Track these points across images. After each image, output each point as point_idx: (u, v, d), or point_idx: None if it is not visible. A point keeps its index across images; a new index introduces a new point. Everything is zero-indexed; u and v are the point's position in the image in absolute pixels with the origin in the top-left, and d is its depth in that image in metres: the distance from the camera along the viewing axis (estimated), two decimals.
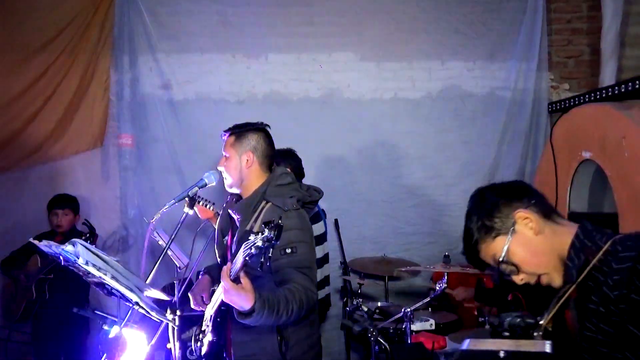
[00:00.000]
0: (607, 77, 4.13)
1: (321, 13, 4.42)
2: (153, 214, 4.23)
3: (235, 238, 2.23)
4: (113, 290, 1.95)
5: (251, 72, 4.44)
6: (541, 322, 1.33)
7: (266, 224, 1.70)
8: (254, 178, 2.30)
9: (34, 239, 3.93)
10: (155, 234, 2.96)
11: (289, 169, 2.44)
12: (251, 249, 1.69)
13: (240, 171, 2.29)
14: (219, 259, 2.45)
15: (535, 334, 1.31)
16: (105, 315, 1.99)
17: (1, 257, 3.97)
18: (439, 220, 4.41)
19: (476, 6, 4.39)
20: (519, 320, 1.29)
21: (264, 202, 2.23)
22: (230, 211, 2.33)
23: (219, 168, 2.34)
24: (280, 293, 1.99)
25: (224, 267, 1.86)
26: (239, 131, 2.33)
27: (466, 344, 1.25)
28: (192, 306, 2.38)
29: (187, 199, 2.27)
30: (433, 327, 2.88)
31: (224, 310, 2.14)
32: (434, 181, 4.42)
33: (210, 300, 2.25)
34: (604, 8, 4.14)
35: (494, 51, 4.41)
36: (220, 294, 2.00)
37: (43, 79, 4.18)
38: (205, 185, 2.31)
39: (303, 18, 4.42)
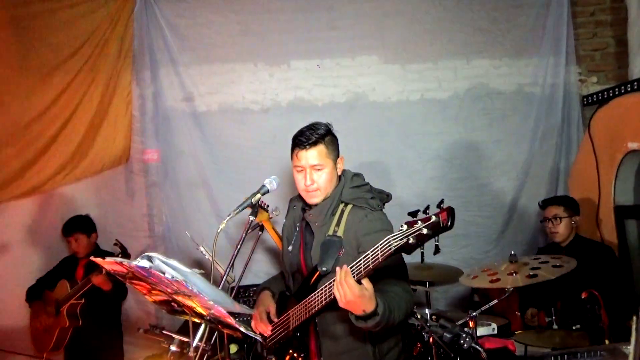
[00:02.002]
0: (637, 68, 4.06)
1: (342, 17, 4.35)
2: (181, 230, 4.20)
3: (314, 244, 2.12)
4: (181, 309, 1.83)
5: (274, 80, 4.36)
6: None
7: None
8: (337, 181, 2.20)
9: (62, 261, 3.85)
10: (201, 249, 2.85)
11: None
12: (408, 239, 1.58)
13: (336, 179, 2.18)
14: (286, 268, 2.32)
15: None
16: (173, 335, 1.88)
17: (29, 284, 3.85)
18: (473, 222, 4.30)
19: (499, 3, 4.32)
20: None
21: (342, 205, 2.13)
22: (306, 218, 2.20)
23: (312, 187, 2.12)
24: (391, 297, 1.87)
25: (344, 268, 1.72)
26: (323, 136, 2.13)
27: None
28: (252, 326, 2.22)
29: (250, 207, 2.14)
30: (495, 332, 2.77)
31: (306, 323, 2.01)
32: (467, 182, 4.33)
33: (278, 317, 2.13)
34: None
35: (520, 47, 4.34)
36: (310, 303, 1.91)
37: (63, 97, 4.07)
38: (268, 192, 2.21)
39: (324, 23, 4.35)
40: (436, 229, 1.56)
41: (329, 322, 2.02)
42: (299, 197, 2.29)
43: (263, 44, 4.34)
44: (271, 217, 3.18)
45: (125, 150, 4.15)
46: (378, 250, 1.66)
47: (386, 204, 2.24)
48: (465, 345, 1.76)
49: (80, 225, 3.85)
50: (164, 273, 1.45)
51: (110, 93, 4.13)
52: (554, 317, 2.70)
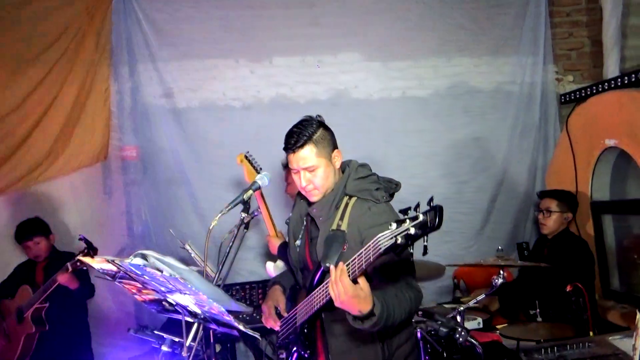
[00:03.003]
0: (611, 67, 4.18)
1: (324, 14, 4.34)
2: (162, 228, 4.13)
3: (319, 239, 2.05)
4: (175, 307, 1.80)
5: (255, 77, 4.31)
6: None
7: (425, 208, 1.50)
8: (339, 171, 2.12)
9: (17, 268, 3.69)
10: (187, 247, 2.79)
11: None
12: (396, 239, 1.49)
13: (334, 174, 2.07)
14: (293, 264, 2.26)
15: None
16: (164, 335, 1.83)
17: None
18: (454, 219, 4.35)
19: (479, 2, 4.38)
20: None
21: (346, 198, 2.05)
22: (310, 212, 2.13)
23: (308, 188, 2.04)
24: (391, 296, 1.81)
25: (339, 266, 1.65)
26: (310, 135, 2.00)
27: None
28: (263, 320, 2.18)
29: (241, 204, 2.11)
30: (481, 326, 2.80)
31: (313, 319, 1.98)
32: (447, 179, 4.38)
33: (287, 312, 2.09)
34: (604, 1, 4.20)
35: (499, 46, 4.41)
36: (314, 300, 1.86)
37: (37, 92, 3.94)
38: (259, 187, 2.17)
39: (306, 19, 4.33)
40: (424, 229, 1.48)
41: (336, 319, 1.96)
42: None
43: (244, 40, 4.29)
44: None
45: (103, 147, 4.04)
46: (370, 250, 1.59)
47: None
48: (460, 339, 1.77)
49: (39, 227, 3.65)
50: (161, 271, 1.41)
51: (87, 88, 4.01)
52: (537, 310, 2.76)
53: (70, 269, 3.32)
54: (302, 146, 1.99)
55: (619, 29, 4.16)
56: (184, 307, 1.71)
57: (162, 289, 1.63)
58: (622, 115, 3.23)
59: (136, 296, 1.89)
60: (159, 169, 4.16)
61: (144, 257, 1.52)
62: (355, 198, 2.04)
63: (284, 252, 2.82)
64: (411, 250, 1.59)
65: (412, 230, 1.47)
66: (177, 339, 1.77)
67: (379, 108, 4.37)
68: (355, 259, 1.66)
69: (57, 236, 3.75)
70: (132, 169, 4.11)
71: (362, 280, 1.65)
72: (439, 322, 1.87)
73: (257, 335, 1.59)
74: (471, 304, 2.51)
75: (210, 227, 2.04)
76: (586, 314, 2.48)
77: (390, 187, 2.10)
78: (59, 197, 4.01)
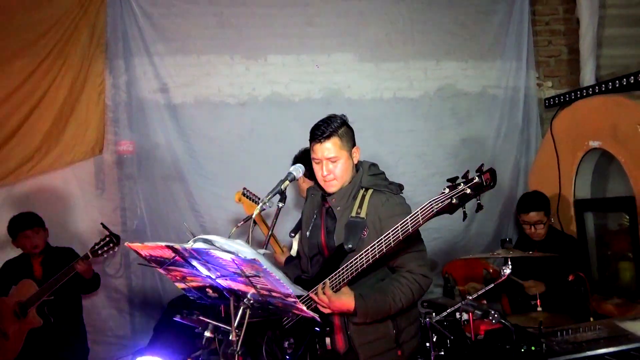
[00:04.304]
0: (587, 75, 4.46)
1: (319, 14, 4.42)
2: (157, 223, 4.11)
3: (337, 225, 2.24)
4: (215, 294, 1.84)
5: (251, 74, 4.35)
6: None
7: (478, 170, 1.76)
8: (354, 168, 2.32)
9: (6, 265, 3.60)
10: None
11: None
12: (452, 199, 1.77)
13: (353, 168, 2.29)
14: (305, 252, 2.42)
15: None
16: (208, 320, 1.86)
17: None
18: (443, 215, 4.48)
19: (468, 9, 4.57)
20: None
21: (362, 190, 2.25)
22: (329, 202, 2.30)
23: (329, 177, 2.24)
24: (388, 287, 2.12)
25: (319, 286, 2.01)
26: (336, 129, 2.23)
27: None
28: None
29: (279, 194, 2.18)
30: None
31: None
32: (436, 178, 4.53)
33: None
34: (581, 12, 4.46)
35: (485, 51, 4.61)
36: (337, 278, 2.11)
37: (28, 84, 3.88)
38: (294, 179, 2.25)
39: (301, 19, 4.40)
40: (479, 189, 1.75)
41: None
42: (317, 186, 2.39)
43: (240, 37, 4.32)
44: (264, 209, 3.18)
45: (98, 141, 3.98)
46: (418, 215, 1.88)
47: None
48: (494, 320, 1.90)
49: (39, 219, 3.61)
50: (233, 253, 1.45)
51: (81, 81, 3.95)
52: (537, 301, 2.93)
53: (90, 257, 3.35)
54: (328, 137, 2.21)
55: (595, 39, 4.45)
56: (235, 292, 1.75)
57: (218, 273, 1.67)
58: (607, 119, 3.46)
59: (178, 284, 1.91)
60: (154, 163, 4.13)
61: (205, 241, 1.56)
62: (372, 190, 2.26)
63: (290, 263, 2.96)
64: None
65: (468, 191, 1.75)
66: (221, 325, 1.80)
67: (371, 108, 4.48)
68: (398, 227, 1.94)
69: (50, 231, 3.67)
70: (127, 163, 4.07)
71: (345, 288, 2.06)
72: (474, 306, 2.00)
73: (316, 316, 1.66)
74: (480, 292, 2.64)
75: (254, 215, 2.09)
76: (588, 302, 2.67)
77: (397, 185, 2.35)
78: (51, 191, 3.92)
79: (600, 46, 4.52)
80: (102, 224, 3.53)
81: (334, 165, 2.23)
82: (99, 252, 3.44)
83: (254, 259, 1.41)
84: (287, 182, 2.19)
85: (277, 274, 1.50)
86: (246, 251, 1.45)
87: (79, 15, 3.99)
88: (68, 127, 3.89)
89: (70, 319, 3.67)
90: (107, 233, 3.41)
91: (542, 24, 4.82)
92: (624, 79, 3.51)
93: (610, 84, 3.63)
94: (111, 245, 3.47)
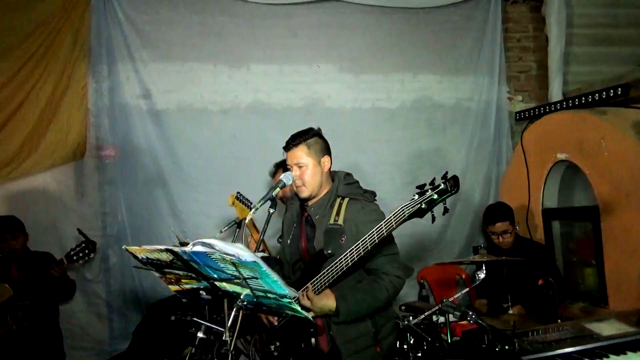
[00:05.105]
0: (555, 90, 4.71)
1: (301, 26, 4.54)
2: (138, 229, 4.13)
3: (316, 232, 2.39)
4: (208, 296, 1.91)
5: (233, 82, 4.42)
6: None
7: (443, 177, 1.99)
8: (329, 179, 2.48)
9: None
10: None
11: None
12: (421, 204, 1.98)
13: (321, 176, 2.43)
14: (287, 259, 2.55)
15: None
16: (201, 322, 1.92)
17: None
18: (418, 223, 4.61)
19: (444, 25, 4.76)
20: None
21: (339, 199, 2.42)
22: (308, 211, 2.45)
23: (297, 183, 2.40)
24: (366, 287, 2.27)
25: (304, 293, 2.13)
26: (305, 139, 2.42)
27: None
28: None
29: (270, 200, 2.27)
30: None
31: None
32: (412, 187, 4.55)
33: None
34: (550, 30, 4.72)
35: (459, 66, 4.80)
36: (319, 281, 2.23)
37: (9, 87, 3.85)
38: (285, 185, 2.34)
39: (284, 30, 4.51)
40: (444, 194, 1.98)
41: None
42: (296, 194, 2.53)
43: (223, 46, 4.39)
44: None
45: (80, 146, 3.98)
46: (392, 220, 2.05)
47: None
48: (471, 321, 2.03)
49: (19, 223, 3.62)
50: (234, 256, 1.54)
51: (63, 85, 3.95)
52: (510, 304, 3.09)
53: (65, 262, 3.39)
54: (296, 145, 2.42)
55: (562, 56, 4.71)
56: (229, 294, 1.83)
57: (215, 276, 1.74)
58: (574, 133, 3.67)
59: (172, 286, 1.97)
60: (136, 169, 4.15)
61: (204, 244, 1.63)
62: (348, 199, 2.44)
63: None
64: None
65: (435, 196, 1.97)
66: (213, 327, 1.87)
67: (350, 118, 4.61)
68: (373, 232, 2.10)
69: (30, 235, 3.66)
70: (109, 168, 4.08)
71: (326, 290, 2.23)
72: (452, 308, 2.13)
73: (309, 316, 1.75)
74: (457, 296, 2.77)
75: (246, 221, 2.17)
76: (557, 305, 2.84)
77: (371, 193, 2.54)
78: (31, 195, 3.90)
79: (568, 63, 4.78)
80: (78, 229, 3.52)
81: (301, 171, 2.40)
82: (74, 257, 3.48)
83: (254, 261, 1.50)
84: (278, 189, 2.29)
85: (275, 276, 1.59)
86: (246, 254, 1.53)
87: (62, 19, 3.99)
88: (49, 131, 3.87)
89: (45, 324, 3.65)
90: (83, 240, 3.43)
91: (514, 41, 5.05)
92: (589, 96, 3.74)
93: (576, 100, 3.86)
94: (87, 251, 3.50)
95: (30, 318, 3.50)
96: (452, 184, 1.97)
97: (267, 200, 2.24)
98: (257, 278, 1.60)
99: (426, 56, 4.76)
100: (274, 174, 3.56)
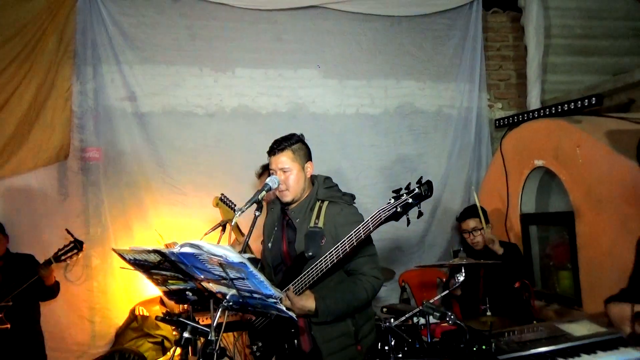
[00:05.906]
0: (533, 98, 4.85)
1: (286, 31, 4.60)
2: (121, 231, 4.13)
3: (297, 235, 2.44)
4: (194, 297, 1.95)
5: (219, 86, 4.46)
6: None
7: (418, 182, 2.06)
8: (310, 184, 2.54)
9: None
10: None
11: None
12: (396, 208, 2.03)
13: (304, 181, 2.49)
14: (268, 262, 2.60)
15: None
16: (187, 322, 1.95)
17: None
18: (400, 227, 4.68)
19: (426, 33, 4.87)
20: None
21: (319, 202, 2.47)
22: (289, 215, 2.51)
23: (281, 188, 2.44)
24: (345, 288, 2.35)
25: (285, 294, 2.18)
26: (291, 144, 2.47)
27: None
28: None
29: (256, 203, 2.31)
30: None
31: None
32: None
33: None
34: (529, 40, 4.86)
35: (441, 73, 4.92)
36: (300, 282, 2.29)
37: None
38: (270, 189, 2.39)
39: (269, 35, 4.56)
40: (419, 198, 2.04)
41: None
42: (277, 199, 2.59)
43: (209, 49, 4.43)
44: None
45: (63, 147, 3.97)
46: (369, 223, 2.11)
47: None
48: (450, 322, 2.10)
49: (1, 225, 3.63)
50: (221, 257, 1.58)
51: (47, 86, 3.94)
52: (487, 305, 3.17)
53: (53, 262, 3.39)
54: (281, 150, 2.46)
55: (540, 65, 4.85)
56: (214, 294, 1.87)
57: (202, 277, 1.78)
58: (550, 140, 3.78)
59: (159, 287, 2.00)
60: (120, 171, 4.16)
61: (192, 246, 1.67)
62: (327, 202, 2.50)
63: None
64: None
65: (410, 200, 2.03)
66: (199, 327, 1.91)
67: (334, 123, 4.68)
68: (352, 234, 2.17)
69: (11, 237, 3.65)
70: (92, 170, 4.08)
71: (306, 291, 2.30)
72: (433, 309, 2.20)
73: (294, 316, 1.80)
74: (437, 297, 2.85)
75: (232, 223, 2.22)
76: (531, 306, 2.93)
77: (350, 196, 2.60)
78: (13, 196, 3.88)
79: (546, 72, 4.92)
80: (66, 229, 3.55)
81: (285, 176, 2.44)
82: (62, 257, 3.50)
83: (242, 262, 1.55)
84: (264, 193, 2.33)
85: (261, 277, 1.64)
86: (233, 255, 1.58)
87: (47, 20, 3.99)
88: (32, 132, 3.86)
89: (27, 325, 3.64)
90: (72, 239, 3.44)
91: (494, 50, 5.18)
92: (566, 105, 3.86)
93: (553, 108, 3.97)
94: (75, 250, 3.52)
95: (13, 319, 3.48)
96: (426, 188, 2.05)
97: (253, 203, 2.28)
98: (243, 279, 1.65)
99: (409, 63, 4.86)
100: (260, 175, 3.61)
